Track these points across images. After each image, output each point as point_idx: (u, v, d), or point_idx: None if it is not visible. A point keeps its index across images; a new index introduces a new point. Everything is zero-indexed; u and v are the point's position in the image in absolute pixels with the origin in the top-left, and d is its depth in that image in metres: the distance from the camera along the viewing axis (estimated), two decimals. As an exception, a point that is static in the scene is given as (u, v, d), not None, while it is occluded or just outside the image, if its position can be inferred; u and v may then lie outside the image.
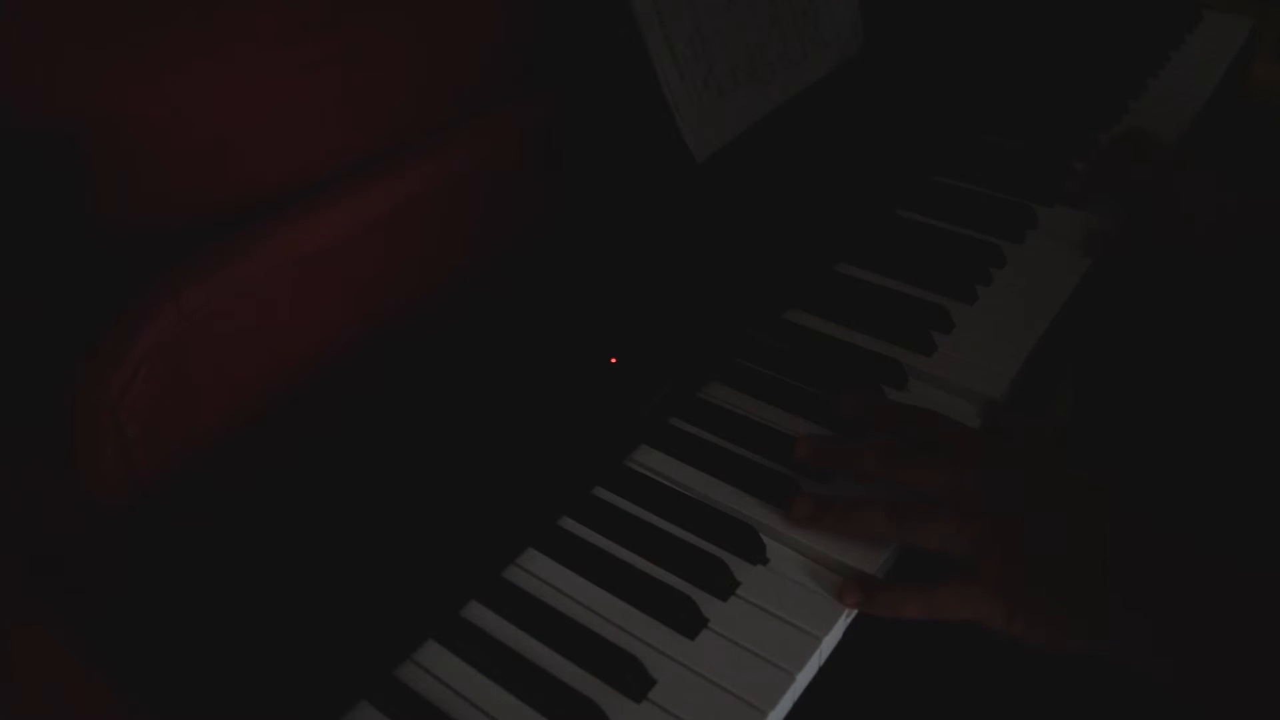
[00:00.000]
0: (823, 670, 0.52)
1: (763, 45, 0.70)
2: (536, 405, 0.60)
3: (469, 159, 0.60)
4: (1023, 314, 0.71)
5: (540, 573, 0.56)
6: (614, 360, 0.64)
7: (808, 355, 0.69)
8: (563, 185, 0.66)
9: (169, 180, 0.50)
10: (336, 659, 0.50)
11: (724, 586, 0.54)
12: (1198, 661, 0.49)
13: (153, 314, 0.47)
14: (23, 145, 0.46)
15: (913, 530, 0.54)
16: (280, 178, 0.54)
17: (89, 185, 0.48)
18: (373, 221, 0.55)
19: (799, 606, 0.53)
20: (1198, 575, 0.51)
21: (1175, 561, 0.51)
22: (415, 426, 0.57)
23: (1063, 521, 0.53)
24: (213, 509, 0.51)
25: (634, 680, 0.50)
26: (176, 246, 0.49)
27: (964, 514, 0.53)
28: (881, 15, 0.79)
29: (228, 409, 0.52)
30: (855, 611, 0.54)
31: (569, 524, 0.59)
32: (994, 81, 0.94)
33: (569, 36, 0.64)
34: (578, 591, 0.55)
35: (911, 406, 0.62)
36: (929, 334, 0.69)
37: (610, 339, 0.64)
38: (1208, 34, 1.06)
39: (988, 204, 0.81)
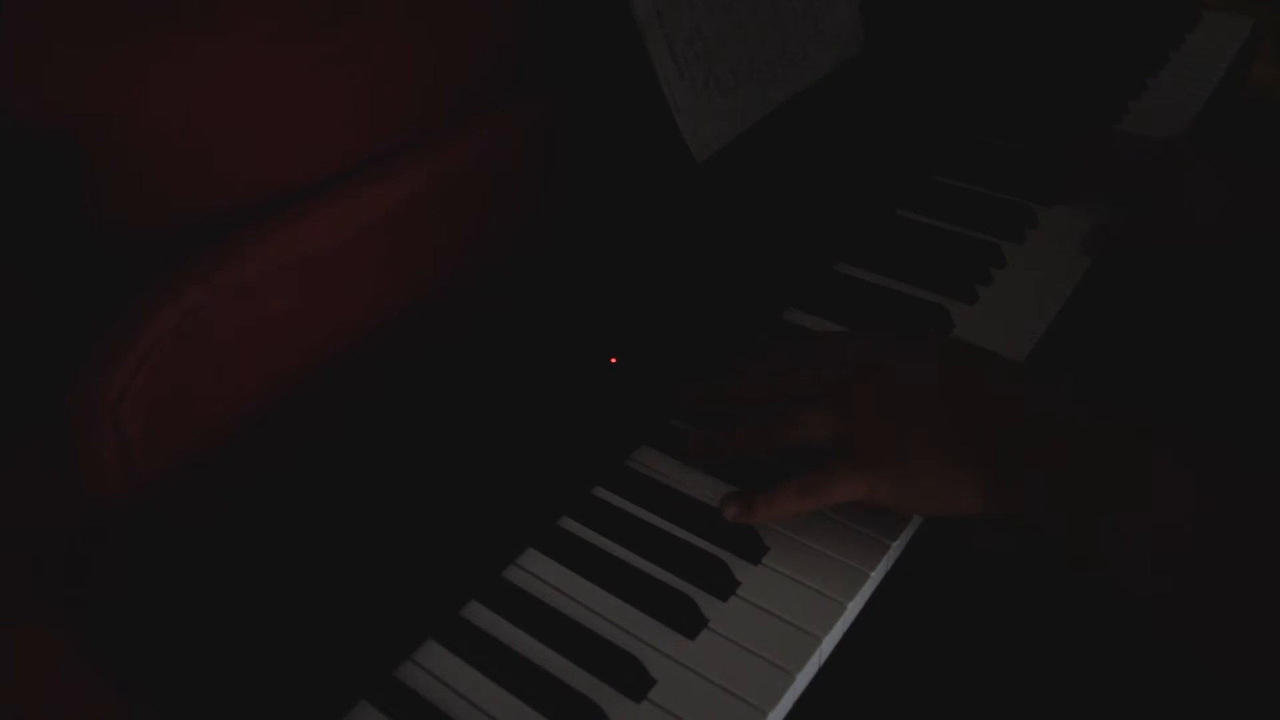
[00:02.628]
0: (823, 670, 0.52)
1: (763, 45, 0.70)
2: (537, 405, 0.60)
3: (469, 159, 0.60)
4: (1023, 314, 0.71)
5: (540, 573, 0.56)
6: (614, 360, 0.64)
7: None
8: (563, 185, 0.66)
9: (169, 180, 0.50)
10: (336, 659, 0.50)
11: (724, 586, 0.54)
12: (1097, 521, 0.47)
13: (153, 314, 0.47)
14: (23, 145, 0.46)
15: (782, 428, 0.55)
16: (280, 178, 0.54)
17: (89, 185, 0.48)
18: (373, 222, 0.55)
19: (799, 606, 0.53)
20: (1083, 430, 0.49)
21: (1070, 419, 0.49)
22: (415, 426, 0.57)
23: (919, 377, 0.53)
24: (213, 509, 0.51)
25: (634, 680, 0.50)
26: (177, 246, 0.49)
27: (825, 399, 0.54)
28: (882, 15, 0.79)
29: (228, 409, 0.52)
30: (855, 611, 0.54)
31: (569, 524, 0.59)
32: (994, 81, 0.94)
33: (569, 36, 0.64)
34: (578, 591, 0.55)
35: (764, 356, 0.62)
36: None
37: (610, 339, 0.64)
38: (1208, 34, 1.06)
39: (988, 204, 0.81)
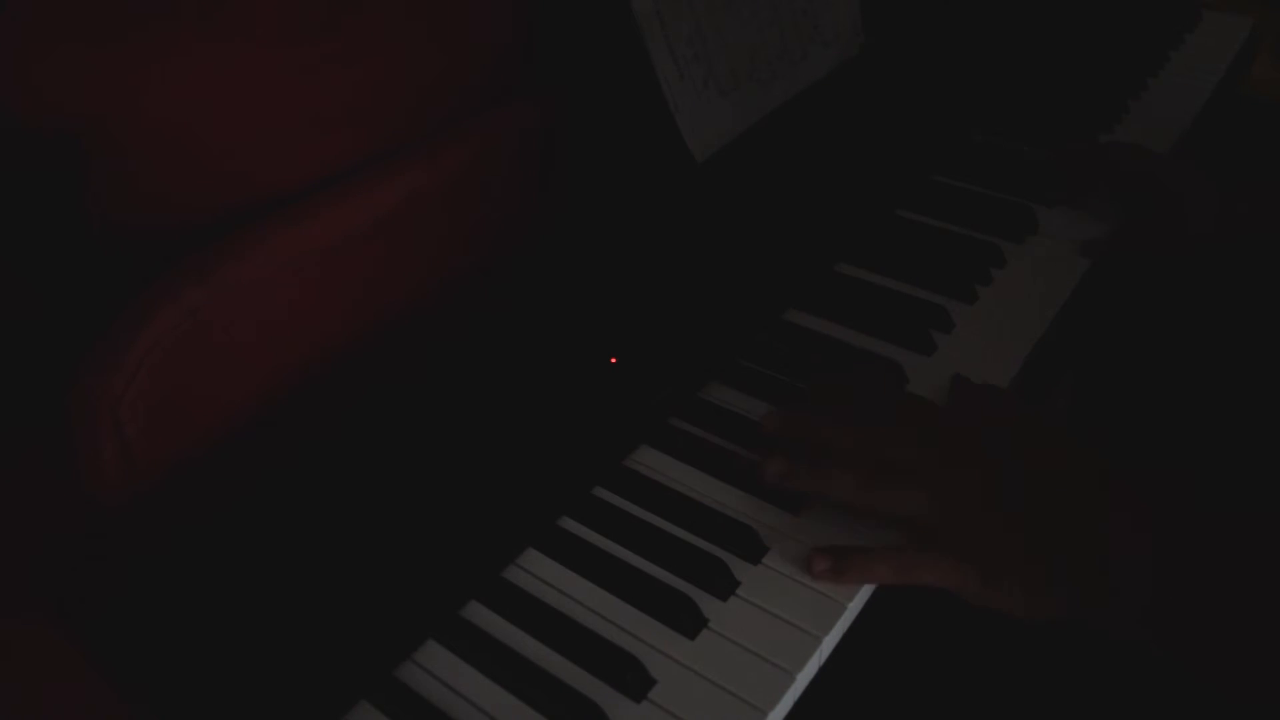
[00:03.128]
0: (823, 670, 0.52)
1: (763, 45, 0.70)
2: (537, 405, 0.60)
3: (469, 159, 0.60)
4: (1023, 314, 0.71)
5: (540, 573, 0.56)
6: (614, 360, 0.64)
7: (808, 355, 0.69)
8: (563, 185, 0.66)
9: (169, 180, 0.50)
10: (336, 659, 0.50)
11: (724, 586, 0.54)
12: (1178, 618, 0.47)
13: (153, 314, 0.47)
14: (23, 145, 0.46)
15: (881, 495, 0.53)
16: (280, 178, 0.54)
17: (89, 185, 0.48)
18: (373, 222, 0.55)
19: (799, 606, 0.53)
20: (1179, 532, 0.48)
21: (1155, 519, 0.49)
22: (416, 426, 0.57)
23: (1030, 480, 0.52)
24: (213, 509, 0.51)
25: (634, 680, 0.50)
26: (177, 246, 0.49)
27: (930, 478, 0.53)
28: (882, 15, 0.79)
29: (228, 409, 0.52)
30: (855, 611, 0.54)
31: (569, 524, 0.59)
32: (994, 81, 0.94)
33: (569, 36, 0.64)
34: (578, 591, 0.55)
35: (857, 374, 0.62)
36: (929, 334, 0.69)
37: (610, 339, 0.64)
38: (1208, 34, 1.06)
39: (988, 204, 0.81)
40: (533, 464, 0.58)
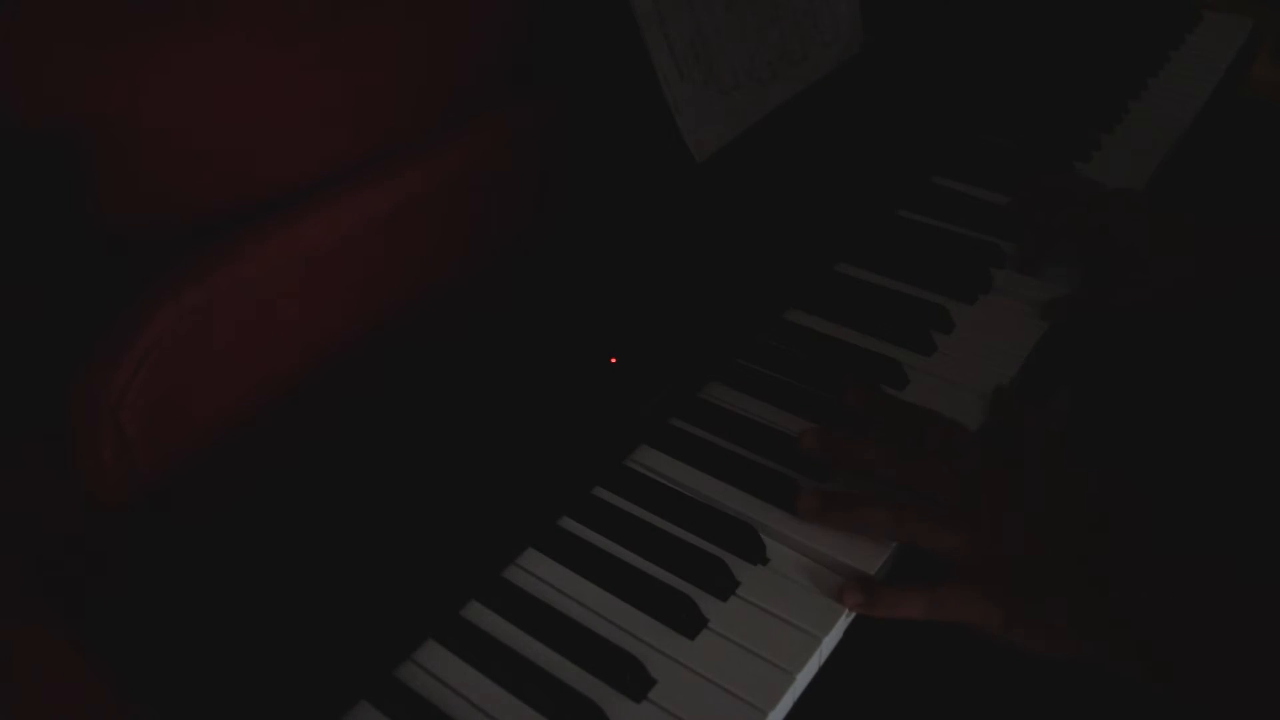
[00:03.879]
0: (823, 670, 0.52)
1: (763, 45, 0.70)
2: (537, 405, 0.60)
3: (469, 159, 0.60)
4: (1023, 314, 0.71)
5: (540, 573, 0.56)
6: (614, 360, 0.64)
7: (808, 355, 0.69)
8: (564, 185, 0.66)
9: (168, 180, 0.50)
10: (336, 659, 0.50)
11: (724, 586, 0.54)
12: (1195, 668, 0.49)
13: (153, 314, 0.47)
14: (23, 145, 0.46)
15: (915, 529, 0.54)
16: (280, 178, 0.54)
17: (89, 185, 0.48)
18: (373, 222, 0.55)
19: (799, 606, 0.53)
20: (1196, 581, 0.50)
21: (1174, 568, 0.51)
22: (415, 426, 0.57)
23: (1061, 526, 0.53)
24: (213, 509, 0.51)
25: (634, 680, 0.50)
26: (176, 246, 0.49)
27: (964, 516, 0.53)
28: (882, 15, 0.79)
29: (228, 409, 0.52)
30: (855, 611, 0.54)
31: (569, 524, 0.59)
32: (994, 81, 0.94)
33: (569, 36, 0.64)
34: (578, 591, 0.55)
35: (914, 405, 0.62)
36: (929, 334, 0.69)
37: (610, 339, 0.64)
38: (1208, 34, 1.06)
39: (988, 204, 0.81)
40: (533, 464, 0.58)
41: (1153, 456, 0.78)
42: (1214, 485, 0.71)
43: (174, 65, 0.48)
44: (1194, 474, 0.73)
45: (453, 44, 0.60)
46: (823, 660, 0.52)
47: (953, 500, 0.54)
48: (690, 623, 0.52)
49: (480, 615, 0.54)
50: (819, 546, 0.56)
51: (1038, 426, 0.60)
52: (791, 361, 0.68)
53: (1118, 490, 0.55)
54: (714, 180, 0.68)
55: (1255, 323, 0.69)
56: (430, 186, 0.58)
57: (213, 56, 0.49)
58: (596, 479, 0.61)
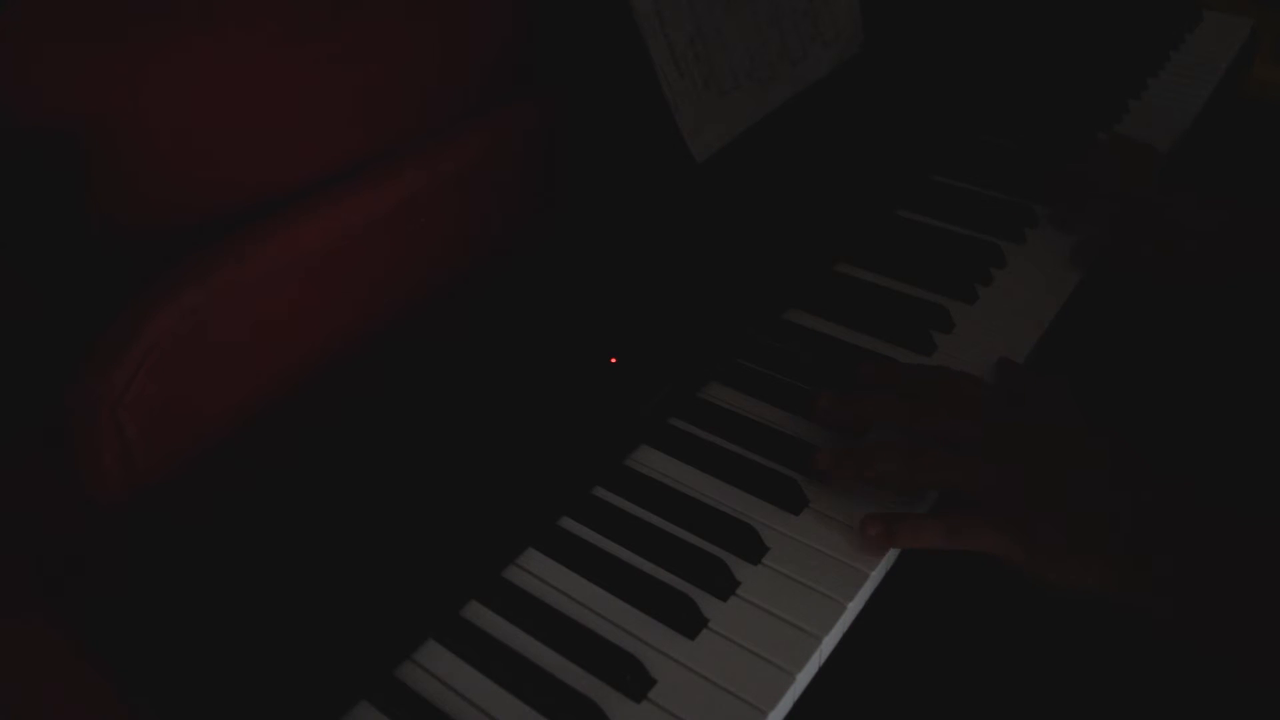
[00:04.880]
0: (823, 670, 0.52)
1: (763, 45, 0.70)
2: (537, 405, 0.60)
3: (469, 159, 0.60)
4: (1023, 314, 0.71)
5: (540, 573, 0.56)
6: (614, 360, 0.64)
7: (808, 355, 0.69)
8: (564, 185, 0.66)
9: (169, 180, 0.50)
10: (336, 659, 0.50)
11: (724, 586, 0.54)
12: (1195, 599, 0.50)
13: (153, 314, 0.47)
14: (23, 145, 0.46)
15: (930, 469, 0.56)
16: (280, 178, 0.54)
17: (89, 185, 0.48)
18: (373, 222, 0.55)
19: (799, 606, 0.53)
20: (1197, 518, 0.52)
21: (1178, 504, 0.53)
22: (415, 426, 0.57)
23: (1066, 454, 0.55)
24: (213, 509, 0.51)
25: (634, 680, 0.50)
26: (177, 246, 0.49)
27: (977, 452, 0.55)
28: (882, 15, 0.79)
29: (228, 409, 0.52)
30: (855, 612, 0.54)
31: (569, 524, 0.59)
32: (994, 81, 0.94)
33: (569, 36, 0.64)
34: (578, 591, 0.55)
35: (925, 365, 0.65)
36: (929, 334, 0.69)
37: (610, 339, 0.64)
38: (1208, 34, 1.06)
39: (988, 204, 0.81)
40: (533, 464, 0.58)
41: (1153, 458, 0.78)
42: (1216, 484, 0.71)
43: (175, 64, 0.48)
44: (1196, 471, 0.73)
45: (454, 43, 0.60)
46: (823, 660, 0.52)
47: (967, 439, 0.56)
48: (690, 623, 0.52)
49: (480, 615, 0.54)
50: (819, 546, 0.56)
51: (1042, 382, 0.62)
52: (791, 361, 0.68)
53: (1115, 437, 0.57)
54: (714, 180, 0.68)
55: None
56: (430, 186, 0.58)
57: (213, 56, 0.49)
58: (596, 479, 0.61)
